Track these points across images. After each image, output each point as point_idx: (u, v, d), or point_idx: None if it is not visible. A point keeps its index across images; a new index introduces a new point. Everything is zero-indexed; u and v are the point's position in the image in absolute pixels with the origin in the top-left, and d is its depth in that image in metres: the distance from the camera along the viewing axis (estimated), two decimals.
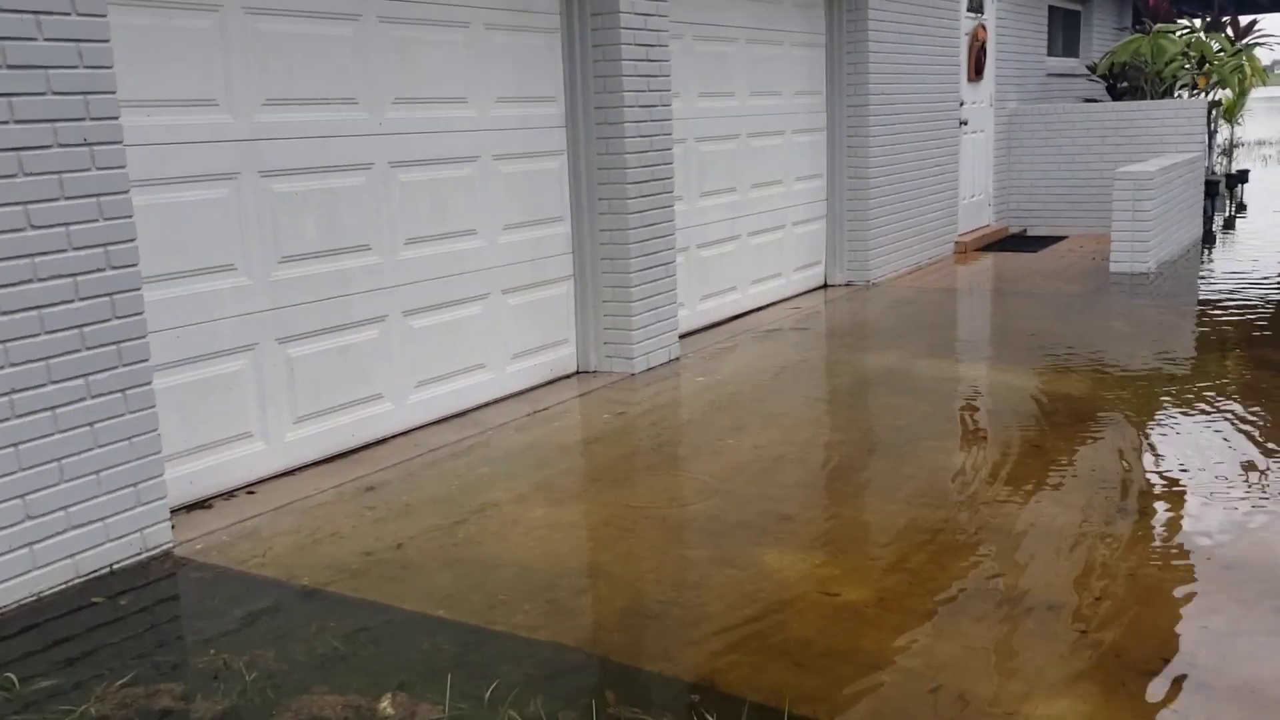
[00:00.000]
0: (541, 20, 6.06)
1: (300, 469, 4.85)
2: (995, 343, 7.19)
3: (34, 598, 3.58)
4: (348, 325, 5.04)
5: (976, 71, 11.48)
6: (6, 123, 3.40)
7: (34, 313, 3.50)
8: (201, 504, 4.42)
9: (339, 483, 4.67)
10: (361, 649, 3.22)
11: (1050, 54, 13.97)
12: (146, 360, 3.85)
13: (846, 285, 9.43)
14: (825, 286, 9.45)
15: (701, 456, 4.91)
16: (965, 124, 11.35)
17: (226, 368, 4.54)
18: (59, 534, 3.63)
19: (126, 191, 3.75)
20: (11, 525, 3.50)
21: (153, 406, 3.89)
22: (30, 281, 3.49)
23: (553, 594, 3.55)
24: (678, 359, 6.85)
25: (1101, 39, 15.66)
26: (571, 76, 6.26)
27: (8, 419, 3.46)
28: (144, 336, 3.84)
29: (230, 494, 4.54)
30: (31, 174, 3.47)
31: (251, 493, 4.57)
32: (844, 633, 3.24)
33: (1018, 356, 6.63)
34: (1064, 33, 14.69)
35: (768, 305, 8.60)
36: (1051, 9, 13.88)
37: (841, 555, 3.79)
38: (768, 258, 8.54)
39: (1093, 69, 14.24)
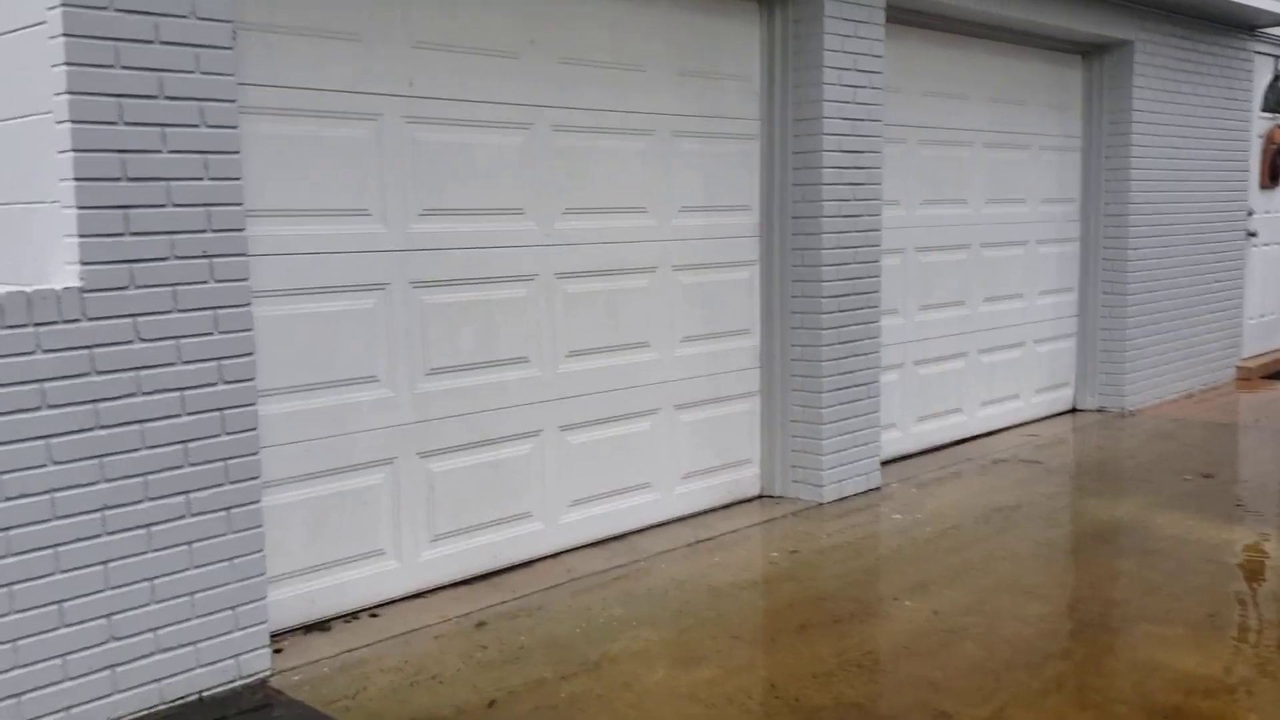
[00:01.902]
0: (738, 127, 5.72)
1: (434, 590, 4.60)
2: (1272, 497, 6.09)
3: None
4: (497, 440, 4.80)
5: (1271, 178, 10.19)
6: (121, 235, 3.36)
7: (135, 427, 3.42)
8: (320, 625, 4.24)
9: (467, 610, 4.38)
10: None
11: None
12: (255, 478, 3.71)
13: (1098, 412, 8.43)
14: (1074, 411, 8.48)
15: (868, 619, 4.29)
16: (1255, 235, 10.06)
17: (361, 482, 4.37)
18: (145, 657, 3.50)
19: (247, 305, 3.65)
20: (93, 646, 3.39)
21: (259, 526, 3.73)
22: (133, 396, 3.41)
23: None
24: (878, 489, 6.21)
25: None
26: (769, 184, 5.87)
27: (98, 535, 3.37)
28: (255, 453, 3.70)
29: (353, 615, 4.34)
30: (144, 286, 3.41)
31: (375, 615, 4.35)
32: None
33: None
34: None
35: (1000, 430, 7.77)
36: None
37: None
38: (1003, 378, 7.74)
39: None
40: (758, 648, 4.02)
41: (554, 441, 5.02)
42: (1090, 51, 8.08)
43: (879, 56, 5.99)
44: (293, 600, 4.17)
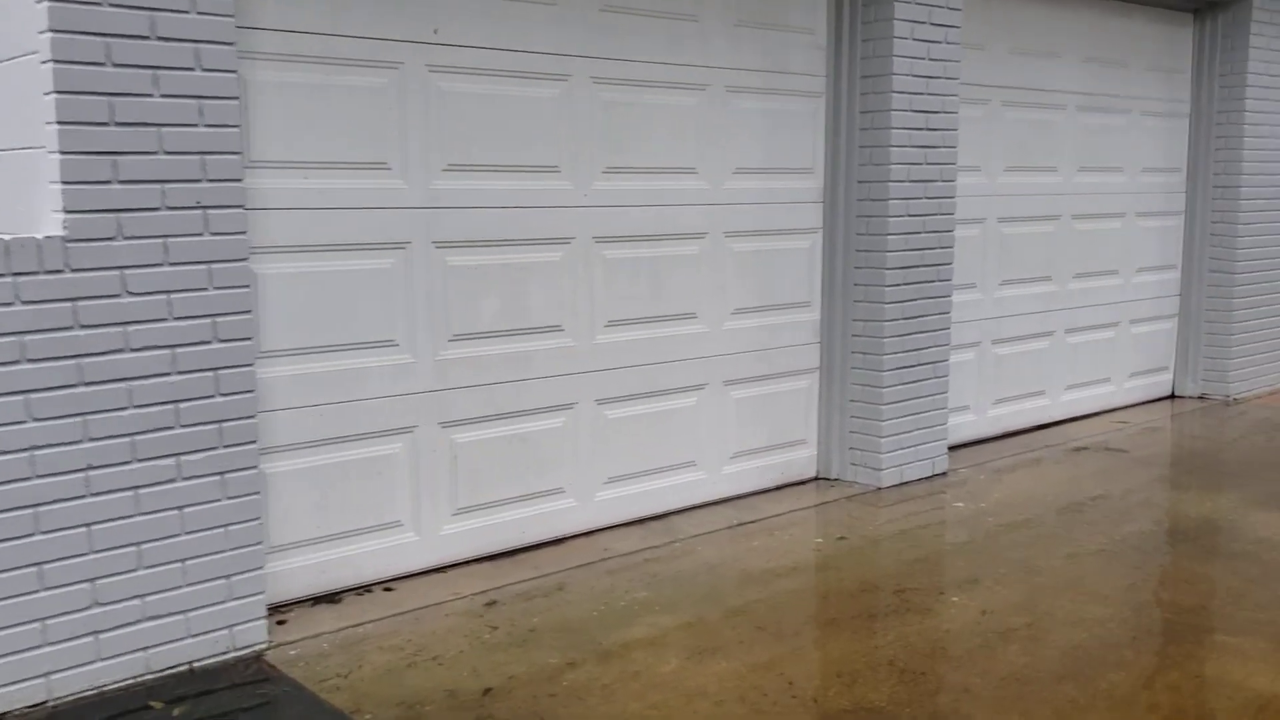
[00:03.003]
0: (801, 83, 5.36)
1: (455, 566, 4.40)
2: None
3: (95, 691, 3.32)
4: (527, 412, 4.57)
5: None
6: (109, 182, 3.20)
7: (121, 385, 3.27)
8: (329, 597, 4.07)
9: (484, 588, 4.18)
10: None
11: None
12: (252, 442, 3.54)
13: (1199, 399, 7.86)
14: (1172, 398, 7.92)
15: (908, 615, 3.95)
16: None
17: (377, 450, 4.18)
18: (130, 624, 3.36)
19: (244, 260, 3.47)
20: (75, 611, 3.27)
21: (256, 493, 3.57)
22: (120, 352, 3.26)
23: None
24: (943, 474, 5.83)
25: None
26: (834, 146, 5.50)
27: (81, 496, 3.24)
28: (252, 416, 3.53)
29: (366, 589, 4.17)
30: (133, 237, 3.25)
31: (389, 589, 4.18)
32: None
33: None
34: None
35: (1086, 415, 7.27)
36: None
37: None
38: (1092, 360, 7.24)
39: None
40: (782, 641, 3.72)
41: (589, 415, 4.77)
42: (1202, 9, 7.46)
43: (957, 9, 5.56)
44: (300, 570, 4.01)
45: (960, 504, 5.33)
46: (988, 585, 4.24)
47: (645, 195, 4.84)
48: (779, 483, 5.57)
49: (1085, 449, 6.43)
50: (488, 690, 3.37)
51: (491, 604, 4.02)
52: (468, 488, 4.43)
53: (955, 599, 4.10)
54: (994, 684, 3.41)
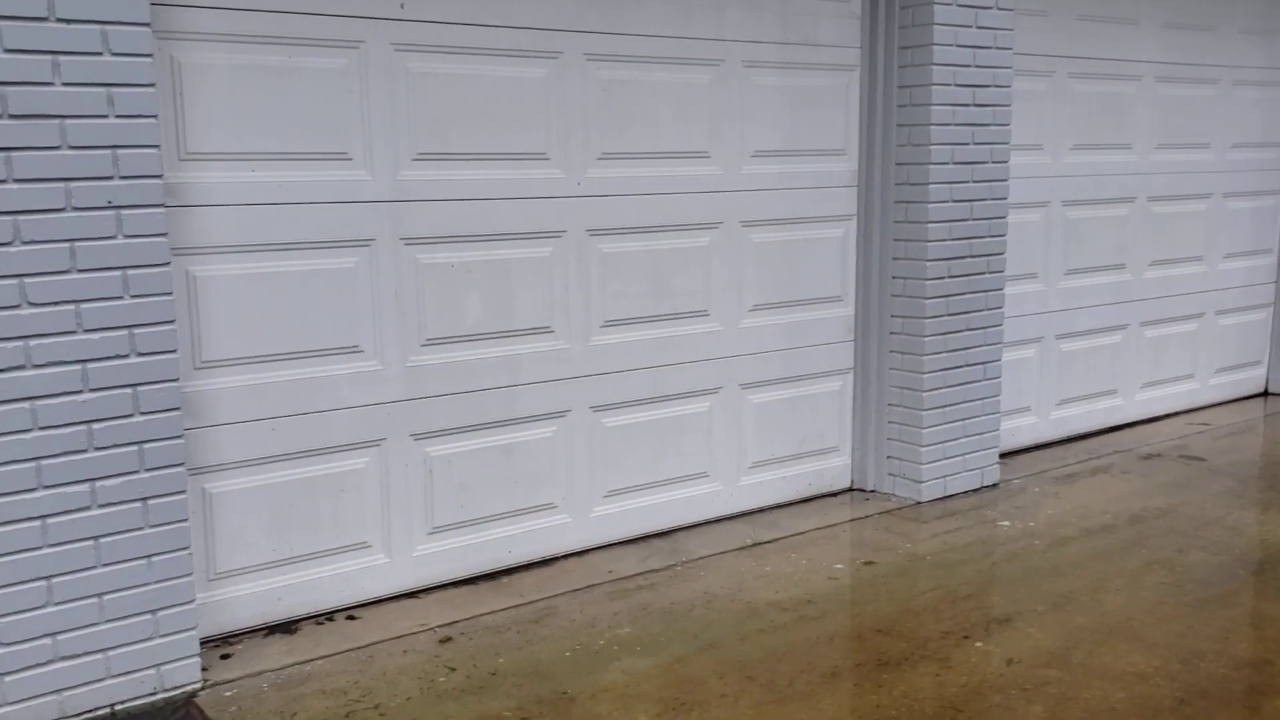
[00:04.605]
0: (830, 55, 4.85)
1: (431, 589, 4.05)
2: None
3: None
4: (512, 421, 4.18)
5: None
6: (4, 181, 2.88)
7: (22, 405, 2.96)
8: (286, 626, 3.75)
9: (454, 618, 3.82)
10: None
11: None
12: (179, 465, 3.22)
13: None
14: (1265, 395, 7.21)
15: (923, 664, 3.48)
16: None
17: (340, 466, 3.84)
18: (40, 665, 3.07)
19: (165, 264, 3.13)
20: None
21: (183, 520, 3.24)
22: (20, 369, 2.95)
23: None
24: (993, 486, 5.29)
25: None
26: (869, 125, 4.98)
27: None
28: (178, 437, 3.21)
29: (328, 616, 3.84)
30: (32, 242, 2.93)
31: (352, 618, 3.84)
32: None
33: None
34: None
35: (1165, 416, 6.64)
36: None
37: None
38: (1172, 355, 6.59)
39: None
40: (770, 695, 3.28)
41: (584, 424, 4.37)
42: None
43: None
44: (252, 597, 3.70)
45: (1006, 523, 4.81)
46: (1019, 627, 3.73)
47: (648, 183, 4.40)
48: (808, 494, 5.10)
49: (1158, 455, 5.82)
50: None
51: (454, 639, 3.65)
52: (446, 505, 4.07)
53: (979, 644, 3.61)
54: None
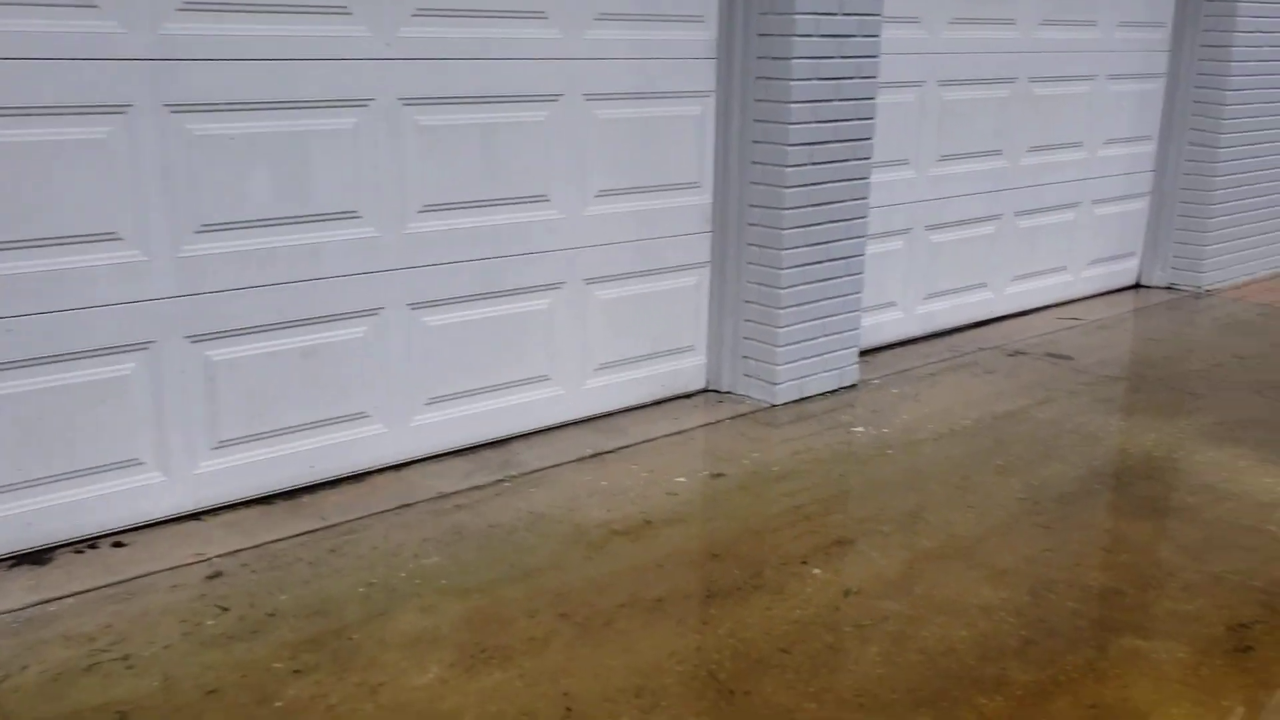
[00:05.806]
0: None
1: (220, 509, 3.59)
2: None
3: None
4: (312, 320, 3.68)
5: None
6: None
7: None
8: (37, 555, 3.27)
9: (239, 546, 3.38)
10: None
11: None
12: None
13: (1166, 289, 7.01)
14: (1136, 288, 7.07)
15: (756, 595, 3.17)
16: None
17: (99, 373, 3.31)
18: None
19: None
20: None
21: None
22: None
23: None
24: (852, 386, 5.00)
25: None
26: None
27: None
28: None
29: (90, 543, 3.36)
30: None
31: (119, 545, 3.37)
32: None
33: None
34: None
35: (1035, 309, 6.43)
36: None
37: None
38: (1047, 246, 6.35)
39: None
40: (583, 637, 2.94)
41: (400, 323, 3.89)
42: None
43: None
44: (1, 523, 3.19)
45: (860, 429, 4.52)
46: (863, 551, 3.45)
47: (473, 46, 3.84)
48: (660, 396, 4.73)
49: (1024, 353, 5.60)
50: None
51: (232, 572, 3.21)
52: (233, 416, 3.58)
53: (818, 571, 3.32)
54: (828, 709, 2.64)
